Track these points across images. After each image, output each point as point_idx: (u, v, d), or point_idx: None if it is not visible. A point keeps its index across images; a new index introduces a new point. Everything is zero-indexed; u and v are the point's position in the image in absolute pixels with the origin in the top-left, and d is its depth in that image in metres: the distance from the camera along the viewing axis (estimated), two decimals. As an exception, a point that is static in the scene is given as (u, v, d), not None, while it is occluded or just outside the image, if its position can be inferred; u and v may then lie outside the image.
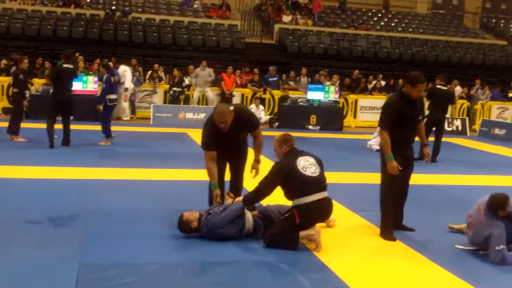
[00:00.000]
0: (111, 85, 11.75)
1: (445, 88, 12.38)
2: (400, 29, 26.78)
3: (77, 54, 17.00)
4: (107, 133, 11.74)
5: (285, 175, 5.56)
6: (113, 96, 11.79)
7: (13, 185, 7.79)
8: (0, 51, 19.22)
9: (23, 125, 11.82)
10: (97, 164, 9.57)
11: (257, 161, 6.33)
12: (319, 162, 5.77)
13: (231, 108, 6.10)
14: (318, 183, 5.60)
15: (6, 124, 11.84)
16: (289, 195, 5.66)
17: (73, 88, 11.51)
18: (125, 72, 16.11)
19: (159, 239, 5.64)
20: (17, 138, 11.52)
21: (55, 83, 11.21)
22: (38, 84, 16.12)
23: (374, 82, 20.10)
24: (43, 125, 11.11)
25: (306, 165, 5.60)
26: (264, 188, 5.63)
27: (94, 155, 10.36)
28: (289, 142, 5.83)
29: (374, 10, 28.31)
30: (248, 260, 5.19)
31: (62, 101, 11.06)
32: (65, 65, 11.30)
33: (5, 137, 11.52)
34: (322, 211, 5.69)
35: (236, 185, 6.46)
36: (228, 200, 6.02)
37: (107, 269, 4.74)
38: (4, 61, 17.69)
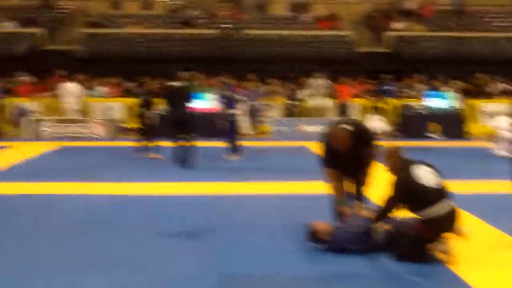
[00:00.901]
0: (231, 101, 12.10)
1: None
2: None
3: (195, 73, 17.72)
4: (235, 148, 12.04)
5: (406, 190, 5.45)
6: (233, 112, 12.10)
7: (144, 201, 8.21)
8: (125, 73, 20.17)
9: (157, 143, 12.37)
10: (222, 179, 9.87)
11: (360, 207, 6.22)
12: (434, 169, 5.63)
13: (347, 127, 6.05)
14: (440, 192, 5.48)
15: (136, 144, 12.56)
16: (413, 208, 5.53)
17: (191, 106, 11.39)
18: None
19: (290, 251, 5.75)
20: (153, 155, 12.14)
21: (168, 102, 11.29)
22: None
23: (500, 85, 19.32)
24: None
25: (424, 175, 5.46)
26: (388, 207, 5.57)
27: (219, 171, 10.72)
28: (398, 153, 5.70)
29: (493, 11, 27.21)
30: (378, 273, 5.18)
31: (178, 120, 11.09)
32: (175, 83, 11.31)
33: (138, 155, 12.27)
34: (449, 221, 5.53)
35: (360, 197, 6.42)
36: (356, 211, 6.05)
37: (242, 279, 4.92)
38: (129, 84, 18.66)
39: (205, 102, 16.45)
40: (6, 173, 10.58)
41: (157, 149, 12.27)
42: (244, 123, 16.85)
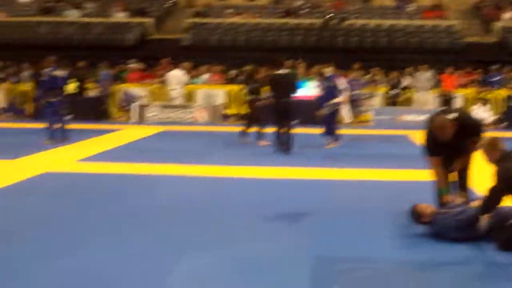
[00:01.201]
0: (332, 90, 12.15)
1: None
2: None
3: (298, 61, 17.85)
4: (334, 136, 12.11)
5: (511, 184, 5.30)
6: (333, 101, 12.15)
7: (247, 184, 8.46)
8: (228, 61, 20.60)
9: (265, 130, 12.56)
10: (323, 165, 9.96)
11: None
12: None
13: (452, 117, 5.98)
14: None
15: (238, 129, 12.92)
16: None
17: (294, 94, 11.42)
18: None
19: (389, 236, 5.75)
20: (261, 142, 12.32)
21: (272, 90, 11.38)
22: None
23: None
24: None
25: None
26: (494, 200, 5.41)
27: (319, 157, 10.84)
28: (499, 145, 5.54)
29: None
30: (480, 261, 5.10)
31: (280, 108, 11.12)
32: (278, 72, 11.35)
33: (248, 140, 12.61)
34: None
35: (463, 187, 6.34)
36: (459, 200, 5.98)
37: (339, 262, 4.96)
38: (232, 72, 19.06)
39: (306, 90, 16.52)
40: (112, 154, 11.18)
41: (262, 135, 12.46)
42: (345, 112, 16.88)
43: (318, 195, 7.68)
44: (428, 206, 5.84)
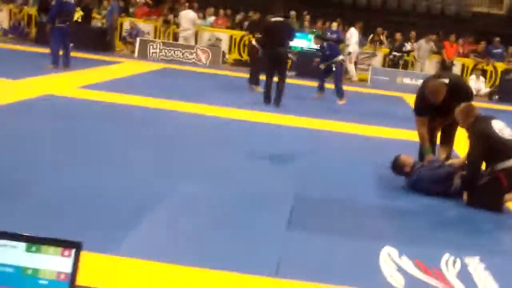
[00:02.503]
0: (334, 47, 12.26)
1: None
2: None
3: (304, 14, 17.99)
4: (341, 92, 12.23)
5: (487, 139, 5.53)
6: (338, 57, 12.26)
7: (239, 125, 8.77)
8: (234, 6, 20.57)
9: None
10: (313, 115, 10.16)
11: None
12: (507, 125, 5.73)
13: (446, 81, 6.22)
14: None
15: (238, 74, 13.02)
16: (491, 160, 5.61)
17: (289, 44, 11.03)
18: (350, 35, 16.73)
19: (372, 185, 6.09)
20: (257, 88, 12.36)
21: (266, 37, 10.96)
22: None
23: None
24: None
25: (501, 127, 5.57)
26: (475, 164, 5.62)
27: (311, 108, 11.06)
28: (475, 111, 5.76)
29: None
30: (451, 212, 5.45)
31: (273, 57, 10.53)
32: (273, 19, 10.87)
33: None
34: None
35: (447, 144, 6.64)
36: (442, 155, 6.29)
37: (318, 203, 5.29)
38: (239, 16, 19.07)
39: (309, 43, 16.72)
40: (112, 84, 11.39)
41: (258, 81, 12.57)
42: (352, 70, 17.08)
43: (309, 142, 8.00)
44: (409, 157, 6.18)
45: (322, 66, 12.37)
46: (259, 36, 12.45)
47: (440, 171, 5.92)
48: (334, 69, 12.20)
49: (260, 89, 11.87)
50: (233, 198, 5.15)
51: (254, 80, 12.60)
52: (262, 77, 11.67)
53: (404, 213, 5.36)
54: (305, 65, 15.72)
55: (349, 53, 16.77)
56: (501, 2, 23.05)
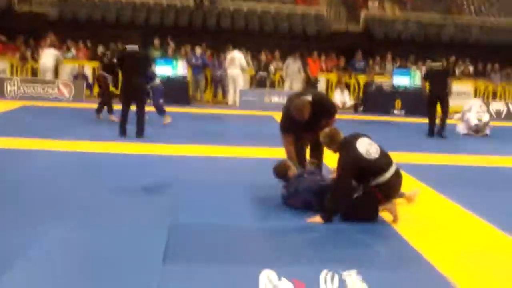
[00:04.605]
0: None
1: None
2: (490, 14, 25.96)
3: (168, 41, 17.83)
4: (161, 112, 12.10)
5: (356, 164, 5.54)
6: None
7: (110, 158, 8.41)
8: (97, 39, 20.05)
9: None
10: (187, 141, 10.06)
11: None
12: (370, 138, 5.81)
13: (309, 98, 6.30)
14: (387, 159, 5.69)
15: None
16: (362, 179, 5.65)
17: (147, 73, 10.64)
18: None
19: (245, 206, 5.98)
20: (111, 117, 12.15)
21: (121, 68, 10.49)
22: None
23: (467, 67, 19.85)
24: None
25: (367, 148, 5.60)
26: (342, 193, 5.54)
27: (181, 134, 10.91)
28: (339, 136, 5.77)
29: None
30: (326, 228, 5.37)
31: (129, 87, 10.11)
32: (130, 47, 10.29)
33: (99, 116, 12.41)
34: (398, 183, 5.78)
35: (318, 162, 6.67)
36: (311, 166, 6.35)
37: (194, 229, 5.10)
38: (100, 49, 18.58)
39: (175, 69, 16.65)
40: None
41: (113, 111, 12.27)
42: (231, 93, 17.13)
43: (179, 169, 7.76)
44: (293, 166, 6.17)
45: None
46: (107, 64, 12.51)
47: (319, 183, 5.88)
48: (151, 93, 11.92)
49: (114, 118, 11.69)
50: (105, 237, 4.83)
51: (100, 110, 12.49)
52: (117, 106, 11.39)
53: (280, 233, 5.25)
54: (172, 91, 15.66)
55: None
56: (357, 20, 24.12)
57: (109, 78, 12.37)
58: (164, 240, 4.76)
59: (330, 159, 6.31)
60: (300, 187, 5.88)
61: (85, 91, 16.70)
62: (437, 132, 12.11)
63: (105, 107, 12.48)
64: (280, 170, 6.15)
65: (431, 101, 12.26)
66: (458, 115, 13.47)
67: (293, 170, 6.10)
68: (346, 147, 5.67)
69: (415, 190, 6.48)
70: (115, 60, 11.61)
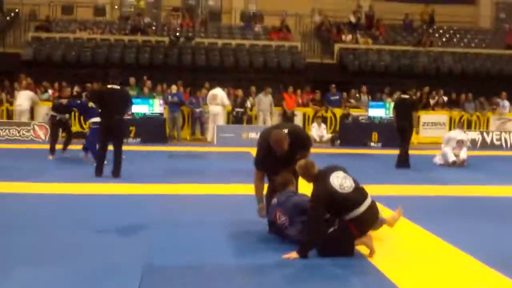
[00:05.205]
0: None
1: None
2: (462, 44, 26.48)
3: (144, 78, 17.88)
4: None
5: (329, 199, 5.57)
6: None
7: (86, 199, 8.31)
8: (71, 78, 20.04)
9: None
10: (163, 180, 10.03)
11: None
12: (345, 171, 5.85)
13: (286, 131, 6.34)
14: (361, 193, 5.72)
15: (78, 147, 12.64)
16: (337, 213, 5.68)
17: (129, 111, 10.70)
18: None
19: (224, 244, 5.97)
20: (86, 155, 12.16)
21: (100, 106, 10.30)
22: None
23: (436, 97, 20.09)
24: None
25: (341, 182, 5.62)
26: (316, 226, 5.53)
27: (157, 173, 10.86)
28: (313, 169, 5.82)
29: (435, 27, 27.97)
30: (301, 263, 5.36)
31: (108, 126, 9.99)
32: (110, 86, 10.17)
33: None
34: (373, 216, 5.80)
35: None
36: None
37: (169, 270, 5.05)
38: (76, 88, 18.51)
39: (151, 107, 16.68)
40: None
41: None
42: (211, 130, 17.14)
43: (156, 208, 7.73)
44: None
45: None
46: (56, 102, 12.80)
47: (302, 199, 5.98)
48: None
49: (89, 158, 11.79)
50: (78, 279, 4.78)
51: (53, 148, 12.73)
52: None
53: (259, 270, 5.23)
54: (150, 129, 15.70)
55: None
56: (331, 52, 24.41)
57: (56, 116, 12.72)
58: (138, 281, 4.72)
59: (305, 189, 6.32)
60: (291, 200, 5.97)
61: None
62: (397, 162, 12.23)
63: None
64: (280, 184, 6.26)
65: (398, 132, 12.48)
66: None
67: (293, 186, 6.25)
68: (319, 180, 5.70)
69: (394, 214, 6.46)
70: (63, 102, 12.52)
